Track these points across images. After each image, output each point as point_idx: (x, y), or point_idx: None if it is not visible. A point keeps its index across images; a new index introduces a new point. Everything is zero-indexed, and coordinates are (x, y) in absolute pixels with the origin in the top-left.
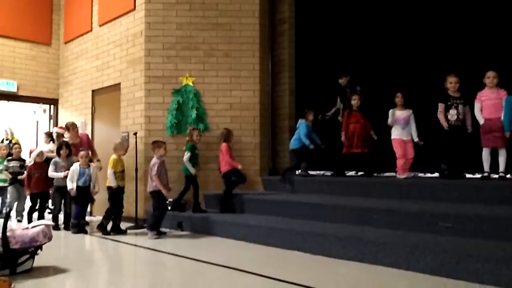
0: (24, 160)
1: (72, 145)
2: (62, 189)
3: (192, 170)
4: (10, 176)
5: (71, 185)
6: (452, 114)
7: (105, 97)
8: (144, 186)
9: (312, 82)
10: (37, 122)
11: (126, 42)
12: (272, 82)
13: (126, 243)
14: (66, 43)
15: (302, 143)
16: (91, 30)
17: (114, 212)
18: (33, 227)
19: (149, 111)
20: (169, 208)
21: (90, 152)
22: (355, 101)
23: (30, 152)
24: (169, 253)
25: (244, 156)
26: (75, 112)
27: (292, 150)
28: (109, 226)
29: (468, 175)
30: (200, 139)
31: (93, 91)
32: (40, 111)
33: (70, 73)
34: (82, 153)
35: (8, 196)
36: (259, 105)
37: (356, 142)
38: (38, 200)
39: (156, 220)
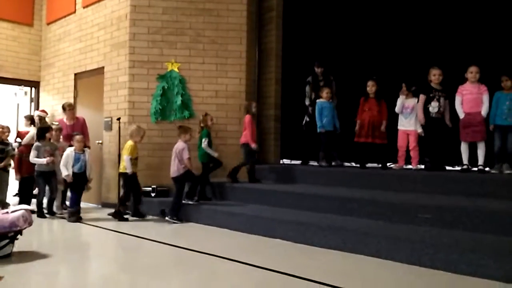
0: (7, 144)
1: (67, 127)
2: (45, 174)
3: (215, 154)
4: None
5: (66, 171)
6: (434, 106)
7: (88, 80)
8: None
9: (298, 71)
10: (18, 105)
11: (110, 25)
12: (259, 71)
13: (107, 229)
14: (48, 24)
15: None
16: (74, 11)
17: (133, 197)
18: (12, 211)
19: (133, 96)
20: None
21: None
22: (369, 88)
23: (18, 135)
24: (151, 240)
25: (229, 145)
26: (57, 95)
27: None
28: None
29: (448, 167)
30: (213, 125)
31: (75, 74)
32: (21, 94)
33: (52, 55)
34: (78, 137)
35: None
36: (245, 94)
37: (366, 131)
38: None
39: (178, 206)
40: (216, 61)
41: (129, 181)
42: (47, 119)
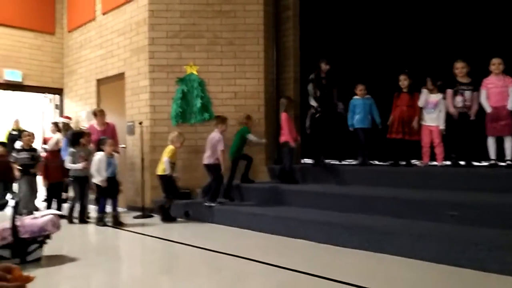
0: (35, 150)
1: (97, 133)
2: (80, 180)
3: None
4: (17, 167)
5: (99, 177)
6: (458, 101)
7: (109, 86)
8: (150, 175)
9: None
10: (43, 112)
11: (129, 30)
12: (277, 70)
13: (135, 232)
14: (69, 32)
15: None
16: (94, 18)
17: (172, 197)
18: (42, 216)
19: (154, 100)
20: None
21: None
22: (401, 82)
23: (44, 141)
24: (175, 242)
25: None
26: (80, 101)
27: (361, 129)
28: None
29: (475, 163)
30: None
31: (97, 80)
32: (46, 101)
33: (74, 62)
34: (110, 141)
35: (18, 191)
36: (263, 94)
37: (396, 127)
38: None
39: (216, 191)
40: (234, 62)
41: (171, 182)
42: (71, 125)
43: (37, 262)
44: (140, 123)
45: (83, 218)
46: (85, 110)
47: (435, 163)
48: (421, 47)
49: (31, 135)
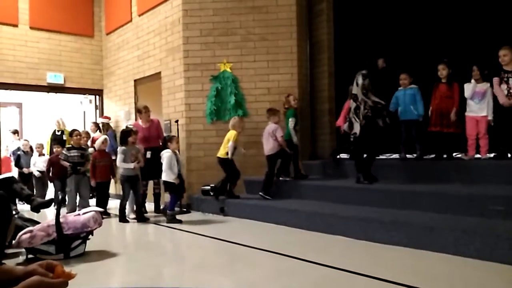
0: (85, 149)
1: (143, 130)
2: (131, 179)
3: (295, 138)
4: (68, 164)
5: (172, 174)
6: (503, 89)
7: (146, 86)
8: (187, 172)
9: (351, 63)
10: (84, 112)
11: (165, 30)
12: (311, 65)
13: (173, 228)
14: (107, 34)
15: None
16: (131, 20)
17: (231, 179)
18: (84, 213)
19: (189, 99)
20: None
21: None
22: (440, 72)
23: (93, 140)
24: (212, 237)
25: None
26: (119, 101)
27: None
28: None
29: None
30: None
31: (135, 80)
32: (86, 102)
33: (112, 63)
34: (177, 138)
35: (67, 190)
36: (297, 89)
37: (434, 119)
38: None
39: (270, 183)
40: (267, 58)
41: (229, 164)
42: (111, 124)
43: (80, 257)
44: (176, 122)
45: (143, 217)
46: (123, 110)
47: (478, 155)
48: (461, 35)
49: (83, 134)
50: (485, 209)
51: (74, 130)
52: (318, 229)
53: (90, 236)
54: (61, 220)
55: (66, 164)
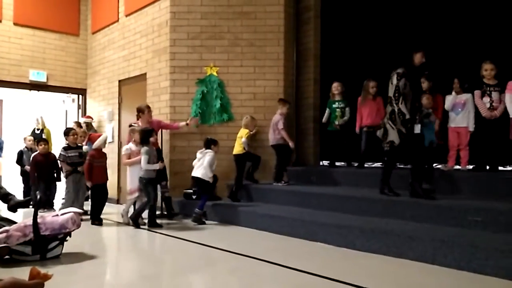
0: (81, 148)
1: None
2: (153, 181)
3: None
4: (69, 168)
5: (211, 173)
6: (485, 102)
7: (131, 87)
8: (170, 175)
9: (337, 71)
10: (66, 111)
11: (152, 32)
12: (297, 72)
13: (155, 232)
14: (93, 33)
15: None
16: (117, 20)
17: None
18: (62, 214)
19: (174, 101)
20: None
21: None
22: (421, 84)
23: (90, 138)
24: (193, 242)
25: (268, 147)
26: (102, 102)
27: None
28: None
29: (501, 168)
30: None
31: (119, 81)
32: (69, 101)
33: (97, 63)
34: (218, 142)
35: (65, 191)
36: (283, 95)
37: None
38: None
39: (282, 171)
40: (254, 63)
41: (248, 156)
42: (93, 124)
43: (57, 258)
44: None
45: (156, 223)
46: (106, 110)
47: (458, 167)
48: (443, 48)
49: (78, 133)
50: (464, 220)
51: (70, 129)
52: (300, 235)
53: (67, 238)
54: (38, 220)
55: (68, 167)
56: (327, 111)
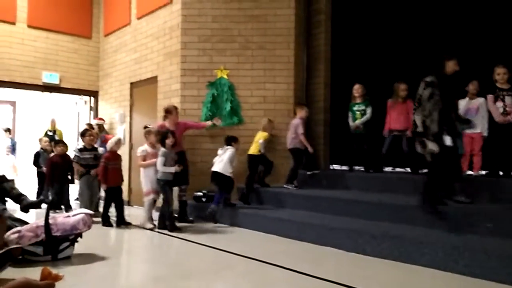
0: (96, 149)
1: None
2: (170, 184)
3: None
4: (82, 169)
5: (230, 169)
6: (498, 106)
7: (142, 89)
8: None
9: (348, 74)
10: (78, 113)
11: (163, 35)
12: (307, 75)
13: (165, 234)
14: (105, 36)
15: None
16: (129, 23)
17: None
18: (73, 215)
19: (184, 104)
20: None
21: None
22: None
23: (104, 140)
24: (202, 244)
25: (278, 150)
26: (114, 104)
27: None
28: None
29: None
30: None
31: (131, 83)
32: (81, 103)
33: (109, 65)
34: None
35: (78, 192)
36: (293, 98)
37: None
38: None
39: (294, 174)
40: (264, 66)
41: (262, 158)
42: (105, 126)
43: (68, 259)
44: None
45: (175, 225)
46: (118, 112)
47: (470, 172)
48: (454, 51)
49: (94, 135)
50: (476, 226)
51: (86, 130)
52: (309, 239)
53: (78, 239)
54: (50, 221)
55: (81, 168)
56: (350, 114)
